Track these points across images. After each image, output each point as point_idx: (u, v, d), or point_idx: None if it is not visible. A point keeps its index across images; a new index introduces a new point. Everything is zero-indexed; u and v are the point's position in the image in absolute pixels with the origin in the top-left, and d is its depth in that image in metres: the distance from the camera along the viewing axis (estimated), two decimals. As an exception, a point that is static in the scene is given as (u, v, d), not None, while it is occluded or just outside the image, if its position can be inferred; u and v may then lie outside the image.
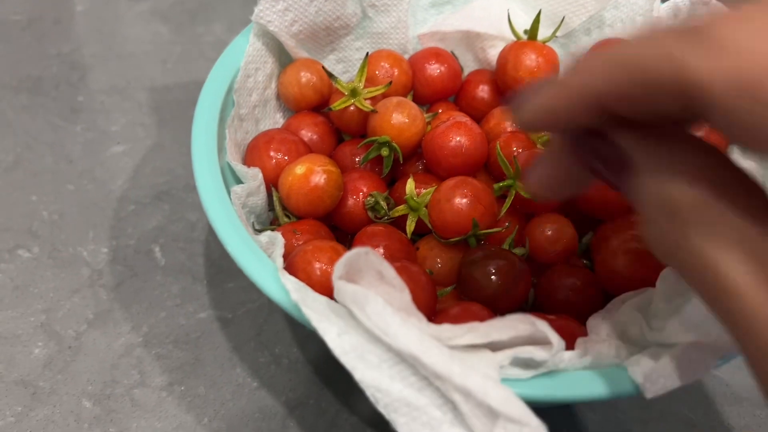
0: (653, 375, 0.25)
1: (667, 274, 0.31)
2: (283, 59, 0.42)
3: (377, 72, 0.41)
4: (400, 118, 0.37)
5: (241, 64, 0.38)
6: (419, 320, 0.26)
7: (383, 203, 0.36)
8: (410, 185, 0.37)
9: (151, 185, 0.49)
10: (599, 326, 0.31)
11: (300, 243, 0.34)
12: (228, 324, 0.41)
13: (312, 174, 0.35)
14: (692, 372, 0.24)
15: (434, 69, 0.43)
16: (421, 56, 0.43)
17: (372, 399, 0.25)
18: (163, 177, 0.49)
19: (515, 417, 0.23)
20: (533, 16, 0.45)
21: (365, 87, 0.39)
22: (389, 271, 0.27)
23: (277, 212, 0.36)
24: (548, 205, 0.36)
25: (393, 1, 0.43)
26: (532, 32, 0.42)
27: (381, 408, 0.25)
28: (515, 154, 0.37)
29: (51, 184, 0.49)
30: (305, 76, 0.40)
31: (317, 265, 0.31)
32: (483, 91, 0.44)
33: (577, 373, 0.27)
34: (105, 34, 0.61)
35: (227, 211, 0.31)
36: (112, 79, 0.57)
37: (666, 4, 0.40)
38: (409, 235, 0.36)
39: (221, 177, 0.33)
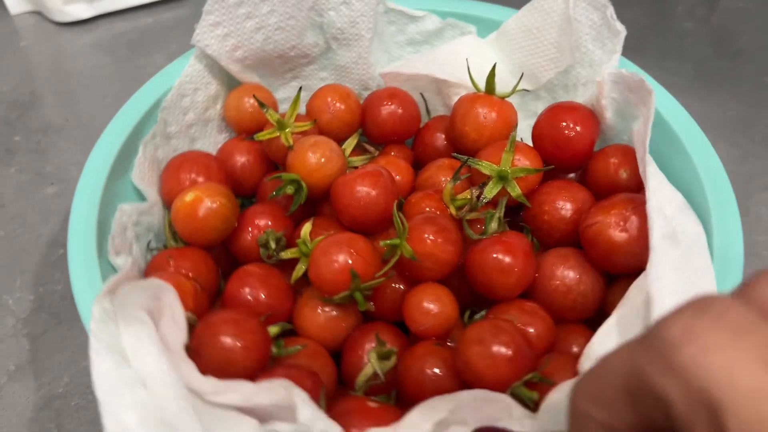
0: None
1: (548, 406, 0.27)
2: (233, 83, 0.42)
3: (319, 106, 0.40)
4: (313, 158, 0.36)
5: (175, 83, 0.39)
6: (189, 368, 0.26)
7: (272, 243, 0.35)
8: (306, 228, 0.35)
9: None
10: (421, 413, 0.27)
11: (171, 270, 0.34)
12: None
13: (200, 203, 0.34)
14: None
15: (385, 110, 0.41)
16: (376, 96, 0.42)
17: None
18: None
19: None
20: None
21: (297, 121, 0.38)
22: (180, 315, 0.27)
23: (166, 234, 0.36)
24: (434, 275, 0.33)
25: (354, 36, 0.42)
26: (488, 85, 0.39)
27: None
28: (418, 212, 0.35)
29: (-19, 230, 0.48)
30: (246, 102, 0.40)
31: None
32: (439, 138, 0.42)
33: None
34: (46, 70, 0.61)
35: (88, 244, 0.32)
36: (50, 117, 0.56)
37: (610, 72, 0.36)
38: (292, 280, 0.35)
39: (98, 199, 0.33)
